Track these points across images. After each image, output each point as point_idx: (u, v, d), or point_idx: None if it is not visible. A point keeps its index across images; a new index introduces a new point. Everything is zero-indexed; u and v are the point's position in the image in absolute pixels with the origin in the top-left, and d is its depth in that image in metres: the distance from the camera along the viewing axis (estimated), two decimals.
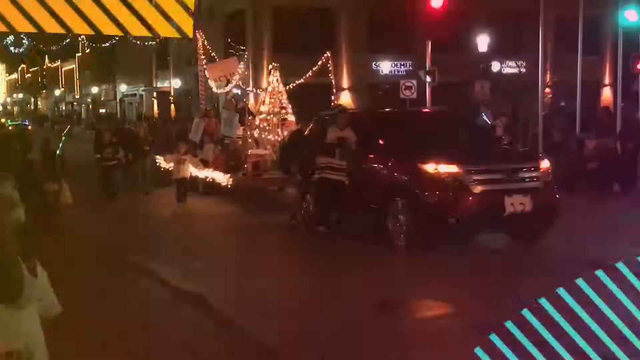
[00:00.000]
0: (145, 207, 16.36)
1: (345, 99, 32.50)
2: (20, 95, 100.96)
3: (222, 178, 15.65)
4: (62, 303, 3.29)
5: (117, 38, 54.06)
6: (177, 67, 48.45)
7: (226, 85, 18.81)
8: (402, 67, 35.26)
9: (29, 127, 34.38)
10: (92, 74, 73.15)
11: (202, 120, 18.19)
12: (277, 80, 17.45)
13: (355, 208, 11.16)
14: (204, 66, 19.89)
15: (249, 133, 16.71)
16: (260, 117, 17.27)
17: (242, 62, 20.82)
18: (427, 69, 24.26)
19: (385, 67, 35.81)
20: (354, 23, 35.80)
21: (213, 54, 21.00)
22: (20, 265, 3.11)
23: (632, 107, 20.44)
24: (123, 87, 62.54)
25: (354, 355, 6.45)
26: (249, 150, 16.12)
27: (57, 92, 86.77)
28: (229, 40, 39.47)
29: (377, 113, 13.52)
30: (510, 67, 36.94)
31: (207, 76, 19.43)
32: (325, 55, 20.01)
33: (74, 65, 79.09)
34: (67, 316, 3.43)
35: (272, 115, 17.09)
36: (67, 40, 55.80)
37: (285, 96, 17.54)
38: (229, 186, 15.36)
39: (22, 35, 51.77)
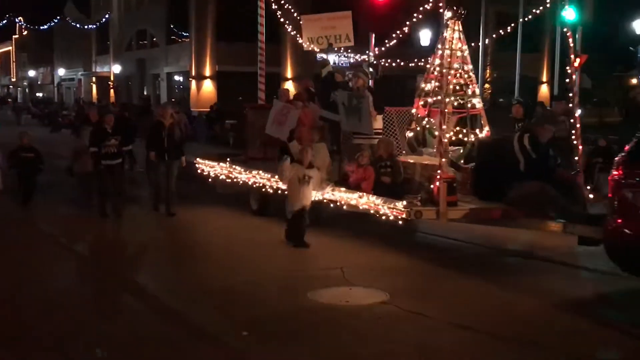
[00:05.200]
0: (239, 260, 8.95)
1: (289, 89, 32.40)
2: None
3: (381, 206, 8.87)
4: None
5: (56, 20, 52.90)
6: (117, 53, 47.58)
7: (329, 48, 11.96)
8: (347, 58, 35.32)
9: None
10: (29, 57, 71.31)
11: (293, 105, 11.44)
12: (460, 37, 10.57)
13: None
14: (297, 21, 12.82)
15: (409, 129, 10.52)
16: (429, 100, 10.49)
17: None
18: (370, 61, 24.37)
19: (331, 57, 35.84)
20: (297, 12, 35.67)
21: (296, 13, 13.49)
22: None
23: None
24: (61, 71, 61.15)
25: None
26: (444, 159, 8.85)
27: None
28: (172, 26, 39.10)
29: None
30: None
31: (299, 34, 12.62)
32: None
33: (10, 47, 76.99)
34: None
35: (450, 99, 9.96)
36: (4, 22, 54.20)
37: (470, 67, 10.73)
38: (400, 222, 8.74)
39: None
